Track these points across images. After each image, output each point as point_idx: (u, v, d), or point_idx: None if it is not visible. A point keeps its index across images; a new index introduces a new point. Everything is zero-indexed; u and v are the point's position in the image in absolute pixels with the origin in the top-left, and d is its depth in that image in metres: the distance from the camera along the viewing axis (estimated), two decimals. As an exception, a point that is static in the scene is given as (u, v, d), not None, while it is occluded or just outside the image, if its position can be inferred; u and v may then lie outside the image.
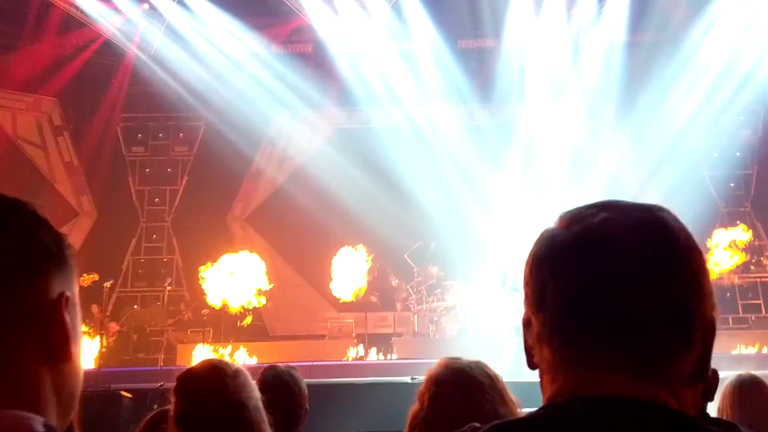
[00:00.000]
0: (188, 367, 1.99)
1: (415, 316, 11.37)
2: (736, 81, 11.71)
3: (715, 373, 0.81)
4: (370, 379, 7.60)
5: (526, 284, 0.90)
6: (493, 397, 1.76)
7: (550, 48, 12.10)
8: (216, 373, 1.90)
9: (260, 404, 1.92)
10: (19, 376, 0.75)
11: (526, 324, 0.90)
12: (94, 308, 10.33)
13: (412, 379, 6.43)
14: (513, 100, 12.29)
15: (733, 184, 12.41)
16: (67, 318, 0.79)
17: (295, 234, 12.66)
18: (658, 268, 0.83)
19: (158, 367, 8.13)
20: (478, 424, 0.85)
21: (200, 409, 1.83)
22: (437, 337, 10.49)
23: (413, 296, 11.30)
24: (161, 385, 6.74)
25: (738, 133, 12.23)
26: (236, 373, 1.92)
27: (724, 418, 2.53)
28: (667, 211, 0.89)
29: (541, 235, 0.91)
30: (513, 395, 1.82)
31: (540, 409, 0.85)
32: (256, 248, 13.36)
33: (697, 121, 12.07)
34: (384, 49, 12.21)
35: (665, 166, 11.54)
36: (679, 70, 11.75)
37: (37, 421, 0.73)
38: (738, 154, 12.32)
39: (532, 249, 0.91)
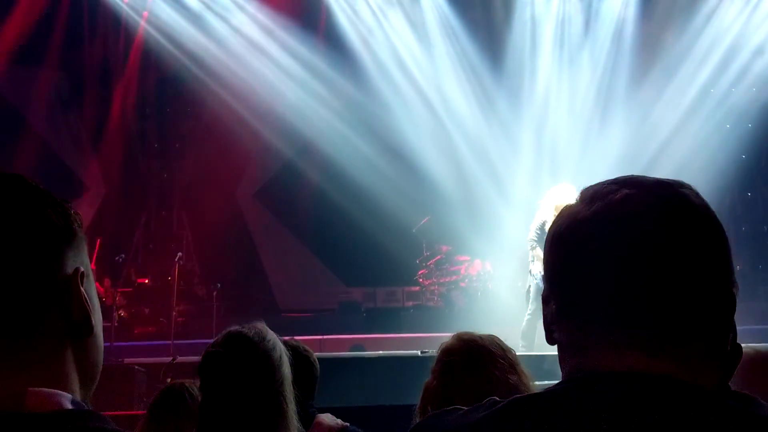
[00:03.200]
0: (211, 342, 1.97)
1: (424, 291, 11.42)
2: (748, 52, 11.57)
3: (738, 347, 0.80)
4: (380, 352, 7.66)
5: (547, 261, 0.91)
6: (504, 367, 1.77)
7: (561, 18, 11.96)
8: (241, 347, 1.89)
9: (287, 374, 1.91)
10: (44, 355, 0.77)
11: (546, 300, 0.91)
12: (106, 282, 10.43)
13: (422, 352, 6.48)
14: (524, 72, 12.17)
15: (744, 156, 12.31)
16: (85, 293, 0.80)
17: (304, 208, 12.69)
18: (679, 245, 0.83)
19: (170, 341, 8.21)
20: (497, 398, 0.86)
21: (225, 387, 1.84)
22: (446, 311, 10.54)
23: (423, 270, 11.34)
24: (173, 359, 6.82)
25: (750, 104, 12.09)
26: (261, 344, 1.91)
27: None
28: (690, 188, 0.88)
29: (562, 212, 0.91)
30: (525, 367, 1.83)
31: (558, 383, 0.86)
32: (265, 222, 13.45)
33: (709, 93, 11.95)
34: (393, 20, 12.09)
35: (677, 137, 11.46)
36: (691, 41, 11.61)
37: (66, 398, 0.74)
38: (750, 125, 12.19)
39: (553, 226, 0.92)
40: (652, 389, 0.79)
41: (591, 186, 0.91)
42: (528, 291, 7.05)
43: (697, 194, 0.88)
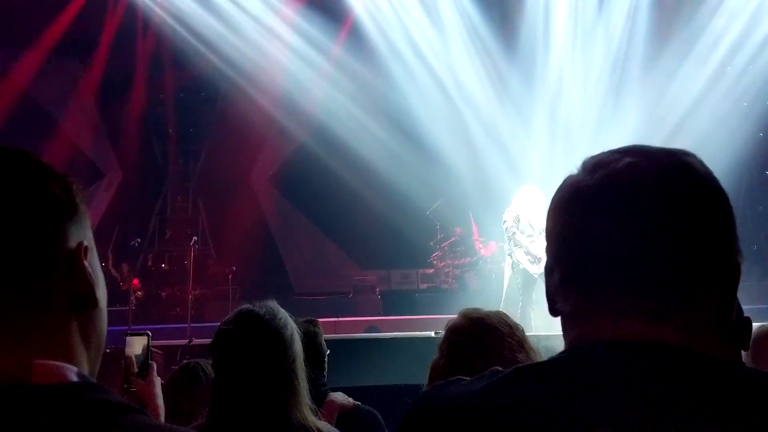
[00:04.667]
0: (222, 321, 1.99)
1: (439, 273, 11.44)
2: (766, 28, 11.38)
3: (748, 320, 0.80)
4: (394, 333, 7.69)
5: (549, 231, 0.90)
6: (512, 345, 1.77)
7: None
8: (251, 325, 1.90)
9: (298, 351, 1.92)
10: (49, 328, 0.77)
11: (549, 271, 0.91)
12: (124, 267, 10.54)
13: (435, 333, 6.49)
14: (537, 51, 12.04)
15: (762, 134, 12.13)
16: (88, 266, 0.81)
17: (318, 192, 12.71)
18: (682, 212, 0.82)
19: (187, 324, 8.29)
20: (500, 368, 0.86)
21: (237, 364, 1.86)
22: (460, 293, 10.55)
23: (437, 253, 11.35)
24: (190, 341, 6.90)
25: (768, 81, 11.91)
26: (271, 321, 1.92)
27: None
28: (693, 156, 0.88)
29: (564, 181, 0.91)
30: (533, 344, 1.83)
31: (562, 353, 0.86)
32: (279, 206, 13.50)
33: (726, 70, 11.77)
34: (405, 1, 11.99)
35: (693, 116, 11.32)
36: (707, 18, 11.43)
37: (72, 371, 0.75)
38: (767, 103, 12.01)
39: (555, 195, 0.91)
40: (654, 357, 0.79)
41: (594, 155, 0.90)
42: (517, 286, 6.93)
43: (701, 162, 0.87)
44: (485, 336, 1.78)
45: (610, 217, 0.84)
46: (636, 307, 0.82)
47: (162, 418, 2.01)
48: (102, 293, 0.83)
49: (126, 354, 2.00)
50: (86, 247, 0.81)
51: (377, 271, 12.37)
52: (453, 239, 11.18)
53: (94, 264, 0.82)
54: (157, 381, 1.99)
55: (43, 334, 0.77)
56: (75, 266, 0.79)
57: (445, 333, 1.86)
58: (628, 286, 0.82)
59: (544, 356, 1.93)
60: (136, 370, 1.98)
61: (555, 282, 0.89)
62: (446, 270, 11.24)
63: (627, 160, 0.86)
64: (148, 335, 2.03)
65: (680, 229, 0.82)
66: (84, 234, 0.82)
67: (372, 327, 8.84)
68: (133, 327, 8.19)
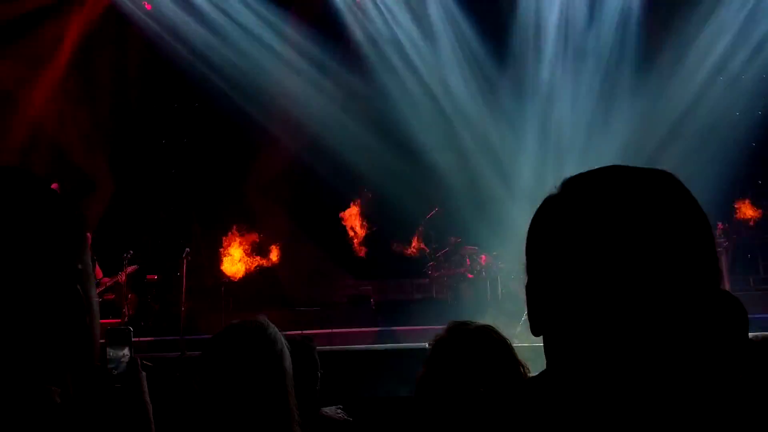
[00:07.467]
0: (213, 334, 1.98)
1: (433, 283, 11.42)
2: (757, 37, 11.46)
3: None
4: (388, 345, 7.68)
5: (528, 250, 0.90)
6: (499, 359, 1.76)
7: (566, 5, 11.89)
8: (242, 338, 1.90)
9: (286, 365, 1.91)
10: (40, 348, 0.77)
11: (528, 290, 0.90)
12: (120, 278, 10.45)
13: (429, 345, 6.47)
14: (528, 62, 12.08)
15: (754, 144, 12.18)
16: (81, 290, 0.81)
17: (312, 202, 12.69)
18: (659, 233, 0.81)
19: (179, 337, 8.25)
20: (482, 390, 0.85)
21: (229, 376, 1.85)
22: (455, 303, 10.54)
23: (431, 263, 11.34)
24: (182, 354, 6.87)
25: (760, 91, 11.95)
26: (261, 336, 1.91)
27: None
28: (671, 176, 0.87)
29: (543, 201, 0.90)
30: (522, 358, 1.82)
31: (542, 372, 0.85)
32: (273, 216, 13.45)
33: (718, 80, 11.83)
34: (396, 13, 12.04)
35: (684, 127, 11.37)
36: (698, 28, 11.50)
37: (55, 393, 0.75)
38: (760, 113, 12.07)
39: (534, 215, 0.91)
40: (630, 376, 0.78)
41: (572, 175, 0.90)
42: None
43: (678, 182, 0.87)
44: (467, 347, 1.78)
45: (584, 240, 0.83)
46: (614, 325, 0.81)
47: (150, 415, 2.00)
48: (94, 319, 0.82)
49: (107, 351, 1.97)
50: (82, 271, 0.81)
51: (372, 282, 12.35)
52: (447, 249, 11.17)
53: (89, 288, 0.82)
54: (143, 377, 1.98)
55: (35, 356, 0.76)
56: (70, 291, 0.79)
57: (432, 346, 1.86)
58: (605, 305, 0.81)
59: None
60: (121, 366, 1.96)
61: (534, 302, 0.89)
62: (441, 280, 11.23)
63: (604, 179, 0.86)
64: (129, 330, 2.02)
65: (656, 249, 0.81)
66: (81, 259, 0.82)
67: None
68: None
